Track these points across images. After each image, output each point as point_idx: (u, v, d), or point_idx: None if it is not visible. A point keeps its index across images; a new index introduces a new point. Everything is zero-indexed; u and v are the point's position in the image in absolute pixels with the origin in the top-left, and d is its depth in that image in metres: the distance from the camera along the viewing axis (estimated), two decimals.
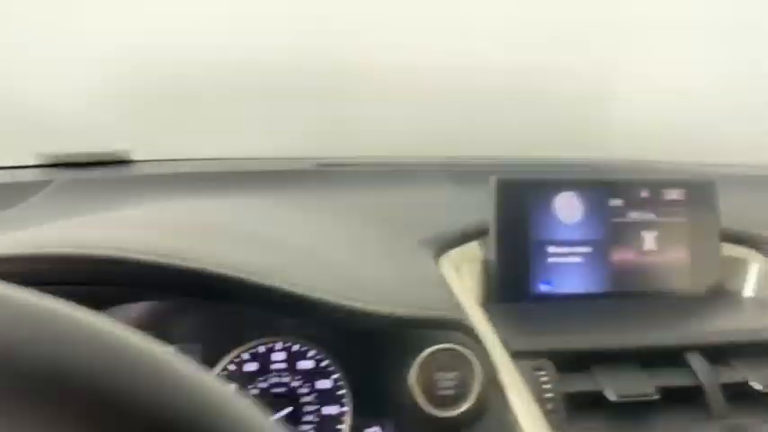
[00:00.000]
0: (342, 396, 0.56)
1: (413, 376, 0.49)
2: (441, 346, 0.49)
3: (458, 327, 0.51)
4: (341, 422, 0.56)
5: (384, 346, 0.51)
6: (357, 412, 0.54)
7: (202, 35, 1.03)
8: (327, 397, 0.56)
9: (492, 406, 0.50)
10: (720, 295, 0.69)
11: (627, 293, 0.66)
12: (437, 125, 1.13)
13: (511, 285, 0.64)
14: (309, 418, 0.56)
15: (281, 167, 0.87)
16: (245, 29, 1.04)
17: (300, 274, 0.50)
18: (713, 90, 1.18)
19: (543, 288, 0.65)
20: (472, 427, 0.49)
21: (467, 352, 0.50)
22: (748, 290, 0.71)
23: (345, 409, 0.56)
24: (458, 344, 0.50)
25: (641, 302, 0.65)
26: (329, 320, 0.49)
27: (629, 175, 0.69)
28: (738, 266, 0.71)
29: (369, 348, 0.53)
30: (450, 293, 0.55)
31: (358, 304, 0.48)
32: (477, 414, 0.49)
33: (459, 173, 0.85)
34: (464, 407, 0.49)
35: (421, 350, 0.49)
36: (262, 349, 0.56)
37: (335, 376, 0.56)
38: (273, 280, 0.46)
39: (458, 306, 0.54)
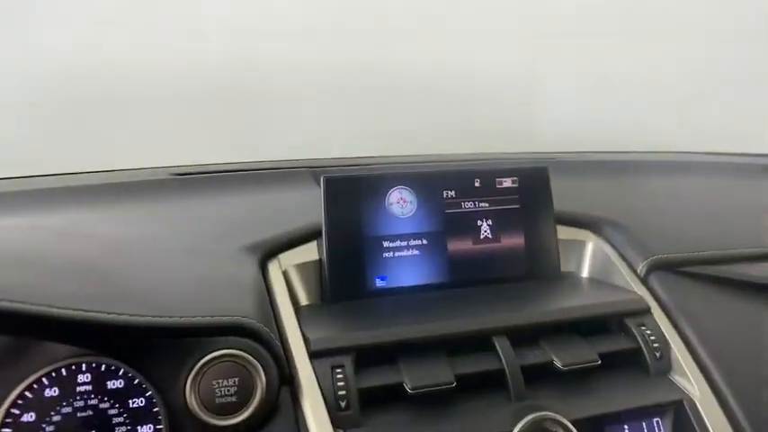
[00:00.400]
0: (157, 413, 0.54)
1: (188, 386, 0.48)
2: (218, 353, 0.48)
3: (243, 331, 0.50)
4: None
5: (178, 357, 0.50)
6: (174, 428, 0.52)
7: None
8: (141, 416, 0.54)
9: (280, 410, 0.50)
10: (558, 278, 0.71)
11: (465, 283, 0.67)
12: (362, 126, 1.13)
13: (345, 283, 0.64)
14: None
15: (135, 179, 0.84)
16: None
17: (70, 293, 0.47)
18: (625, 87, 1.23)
19: (379, 284, 0.65)
20: None
21: (248, 357, 0.49)
22: (585, 270, 0.73)
23: (161, 426, 0.54)
24: (242, 349, 0.49)
25: (475, 291, 0.66)
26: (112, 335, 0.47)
27: (462, 166, 0.70)
28: (576, 248, 0.74)
29: (169, 362, 0.51)
30: (253, 298, 0.54)
31: (122, 317, 0.46)
32: (260, 420, 0.49)
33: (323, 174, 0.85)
34: (245, 414, 0.48)
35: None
36: (64, 372, 0.52)
37: (149, 393, 0.54)
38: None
39: (255, 310, 0.53)
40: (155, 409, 0.54)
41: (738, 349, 0.61)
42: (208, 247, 0.62)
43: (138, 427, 0.54)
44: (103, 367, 0.54)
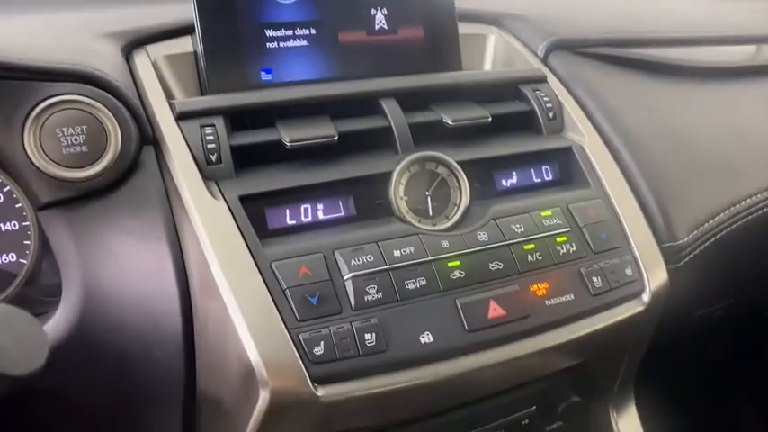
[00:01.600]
0: (22, 209, 0.50)
1: (26, 132, 0.44)
2: (59, 97, 0.44)
3: (92, 81, 0.46)
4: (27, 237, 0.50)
5: (14, 102, 0.45)
6: (31, 199, 0.47)
7: None
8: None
9: (144, 167, 0.47)
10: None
11: (359, 77, 0.63)
12: None
13: (225, 76, 0.58)
14: None
15: None
16: None
17: None
18: None
19: (264, 77, 0.60)
20: (119, 188, 0.46)
21: (96, 104, 0.45)
22: (487, 65, 0.70)
23: (27, 222, 0.50)
24: (89, 96, 0.45)
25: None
26: None
27: None
28: (478, 43, 0.71)
29: (4, 110, 0.46)
30: (111, 63, 0.49)
31: None
32: (120, 175, 0.46)
33: None
34: (99, 166, 0.44)
35: None
36: None
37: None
38: None
39: (112, 70, 0.48)
40: (17, 205, 0.50)
41: (630, 111, 0.61)
42: (64, 35, 0.56)
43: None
44: None
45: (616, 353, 0.57)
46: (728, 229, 0.60)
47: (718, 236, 0.59)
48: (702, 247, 0.58)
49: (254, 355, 0.41)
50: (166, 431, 0.50)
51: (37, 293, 0.50)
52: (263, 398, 0.41)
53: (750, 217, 0.62)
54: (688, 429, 0.91)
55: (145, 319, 0.46)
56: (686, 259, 0.56)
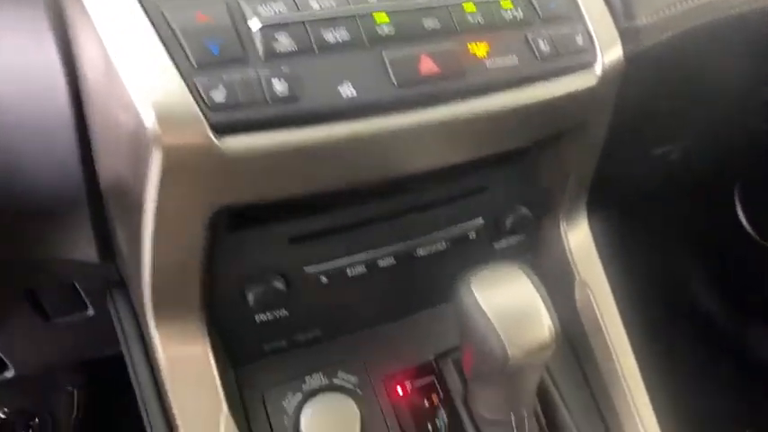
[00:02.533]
0: None
1: None
2: None
3: None
4: None
5: None
6: None
7: None
8: None
9: None
10: None
11: None
12: None
13: None
14: None
15: None
16: None
17: None
18: None
19: None
20: None
21: None
22: None
23: None
24: None
25: None
26: None
27: None
28: None
29: None
30: None
31: None
32: None
33: None
34: None
35: None
36: None
37: None
38: None
39: None
40: None
41: None
42: None
43: None
44: None
45: (565, 148, 0.52)
46: (691, 25, 0.55)
47: (680, 30, 0.54)
48: (663, 36, 0.53)
49: (143, 107, 0.34)
50: (77, 232, 0.44)
51: None
52: (157, 156, 0.35)
53: (716, 17, 0.57)
54: (638, 264, 0.90)
55: (28, 104, 0.39)
56: (644, 44, 0.51)
